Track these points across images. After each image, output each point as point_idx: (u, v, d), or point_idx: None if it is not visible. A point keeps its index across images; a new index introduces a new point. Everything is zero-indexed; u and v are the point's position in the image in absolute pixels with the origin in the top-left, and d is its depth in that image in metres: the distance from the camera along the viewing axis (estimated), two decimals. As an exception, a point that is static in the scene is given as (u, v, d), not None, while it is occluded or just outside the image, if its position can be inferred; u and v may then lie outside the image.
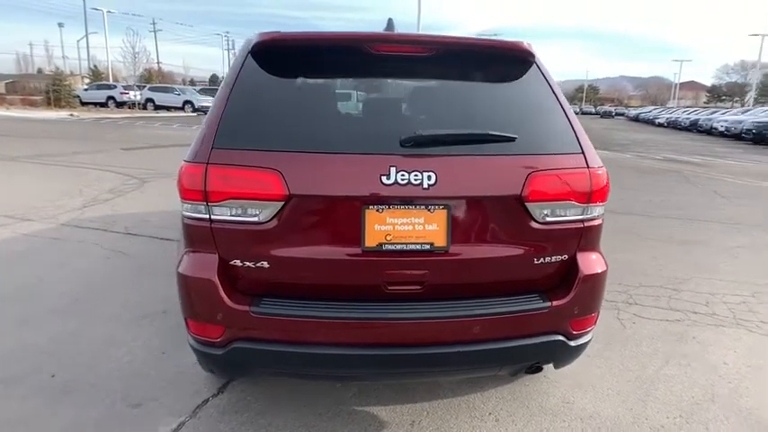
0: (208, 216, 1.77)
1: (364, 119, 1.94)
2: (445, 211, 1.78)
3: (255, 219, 1.75)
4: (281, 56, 1.95)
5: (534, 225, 1.85)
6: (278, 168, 1.71)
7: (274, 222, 1.74)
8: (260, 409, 2.39)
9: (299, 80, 1.95)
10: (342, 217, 1.78)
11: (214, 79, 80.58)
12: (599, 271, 1.97)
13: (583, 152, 1.91)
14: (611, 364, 2.87)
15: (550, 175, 1.83)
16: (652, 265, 4.62)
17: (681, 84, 71.10)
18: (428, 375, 2.06)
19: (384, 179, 1.72)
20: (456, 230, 1.80)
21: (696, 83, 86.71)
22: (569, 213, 1.89)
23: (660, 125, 35.20)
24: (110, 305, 3.48)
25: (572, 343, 1.96)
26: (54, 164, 9.67)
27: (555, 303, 1.87)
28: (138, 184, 7.90)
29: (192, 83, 66.85)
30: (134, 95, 32.61)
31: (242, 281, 1.81)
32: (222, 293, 1.77)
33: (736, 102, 63.68)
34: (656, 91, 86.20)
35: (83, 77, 49.23)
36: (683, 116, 33.46)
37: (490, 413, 2.42)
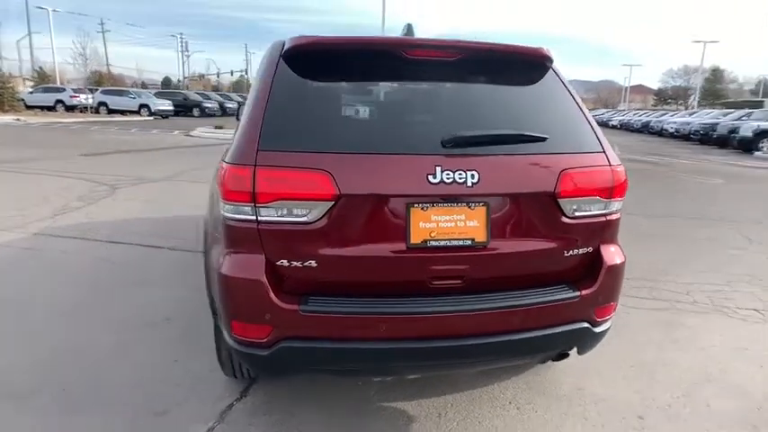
0: (255, 217, 1.79)
1: (404, 120, 2.00)
2: (485, 207, 1.87)
3: (304, 219, 1.78)
4: (316, 59, 1.99)
5: (565, 220, 1.97)
6: (327, 169, 1.76)
7: (323, 222, 1.78)
8: (287, 410, 2.41)
9: (337, 83, 2.00)
10: (388, 215, 1.84)
11: (167, 82, 78.17)
12: (620, 261, 2.11)
13: (604, 151, 2.05)
14: (611, 351, 3.03)
15: (580, 172, 1.96)
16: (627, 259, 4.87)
17: (630, 87, 74.32)
18: (469, 366, 2.14)
19: (431, 178, 1.80)
20: (494, 226, 1.90)
21: (644, 86, 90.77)
22: (594, 208, 2.02)
23: (613, 127, 36.71)
24: (108, 315, 3.39)
25: (596, 329, 2.09)
26: (9, 170, 9.20)
27: (584, 293, 2.00)
28: (109, 191, 7.64)
29: (144, 86, 64.62)
30: (85, 99, 31.29)
31: (289, 280, 1.83)
32: (271, 293, 1.79)
33: (681, 104, 67.26)
34: (607, 94, 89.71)
35: (24, 79, 46.67)
36: (635, 118, 34.96)
37: (510, 402, 2.52)
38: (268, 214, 1.78)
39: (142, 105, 31.02)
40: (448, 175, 1.80)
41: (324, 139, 1.84)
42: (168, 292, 3.80)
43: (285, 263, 1.82)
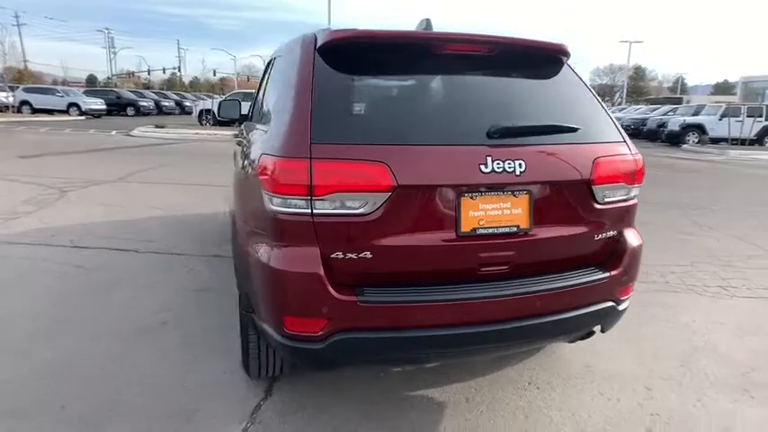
0: (310, 210, 1.77)
1: (447, 112, 2.03)
2: (528, 195, 1.95)
3: (361, 210, 1.78)
4: (354, 52, 2.00)
5: (596, 205, 2.09)
6: (384, 160, 1.77)
7: (378, 213, 1.79)
8: (316, 406, 2.39)
9: (377, 76, 2.02)
10: (439, 205, 1.88)
11: (92, 80, 73.47)
12: (639, 244, 2.26)
13: (625, 141, 2.19)
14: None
15: (609, 160, 2.08)
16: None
17: (560, 86, 77.97)
18: (512, 347, 2.20)
19: (482, 168, 1.85)
20: (535, 213, 1.98)
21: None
22: (620, 194, 2.15)
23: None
24: (98, 322, 3.20)
25: (619, 308, 2.23)
26: (-62, 175, 8.41)
27: (611, 273, 2.13)
28: (58, 194, 7.14)
29: (65, 83, 60.18)
30: (5, 97, 28.88)
31: (342, 272, 1.82)
32: (329, 286, 1.78)
33: (608, 101, 71.47)
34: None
35: None
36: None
37: (529, 383, 2.64)
38: (324, 207, 1.77)
39: (71, 104, 29.02)
40: (498, 164, 1.87)
41: (376, 131, 1.85)
42: (154, 295, 3.63)
43: (340, 255, 1.81)
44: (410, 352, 1.99)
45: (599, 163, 2.05)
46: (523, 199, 1.95)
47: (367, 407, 2.39)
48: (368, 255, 1.82)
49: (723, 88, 61.04)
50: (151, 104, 34.04)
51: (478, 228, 1.90)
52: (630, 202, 2.23)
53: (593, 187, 2.05)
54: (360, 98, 1.94)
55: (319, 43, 2.01)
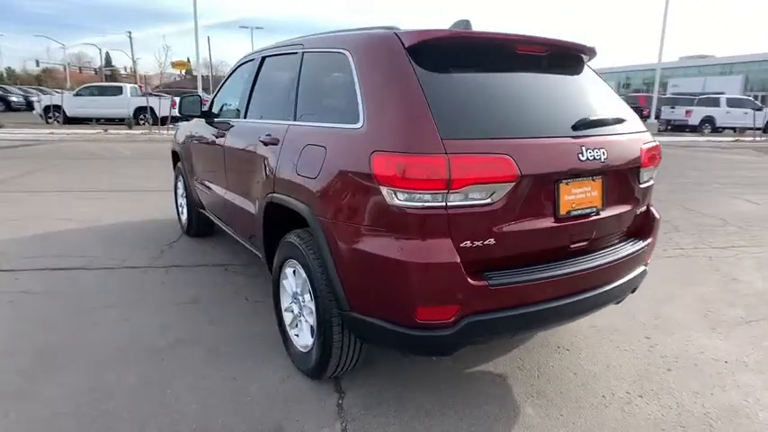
0: (444, 203, 1.85)
1: (540, 107, 2.20)
2: (602, 179, 2.25)
3: (488, 200, 1.91)
4: (445, 51, 2.11)
5: (640, 185, 2.47)
6: (509, 153, 1.92)
7: (501, 202, 1.94)
8: (396, 395, 2.46)
9: (471, 74, 2.13)
10: (544, 191, 2.08)
11: None
12: (660, 216, 2.70)
13: (647, 130, 2.60)
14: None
15: (649, 147, 2.48)
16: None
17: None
18: (592, 312, 2.46)
19: (580, 156, 2.10)
20: (605, 195, 2.29)
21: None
22: (651, 175, 2.56)
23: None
24: (95, 349, 2.83)
25: (647, 270, 2.66)
26: None
27: (648, 241, 2.53)
28: None
29: None
30: None
31: (470, 259, 1.93)
32: (464, 274, 1.88)
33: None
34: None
35: None
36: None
37: (558, 346, 2.98)
38: (457, 199, 1.87)
39: None
40: (590, 153, 2.14)
41: (494, 126, 1.99)
42: (145, 313, 3.30)
43: (468, 243, 1.92)
44: (530, 326, 2.18)
45: (643, 150, 2.43)
46: (599, 183, 2.24)
47: (440, 393, 2.51)
48: (492, 242, 1.96)
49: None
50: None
51: (571, 210, 2.15)
52: (653, 182, 2.65)
53: (640, 170, 2.42)
54: (464, 95, 2.05)
55: (407, 43, 2.07)
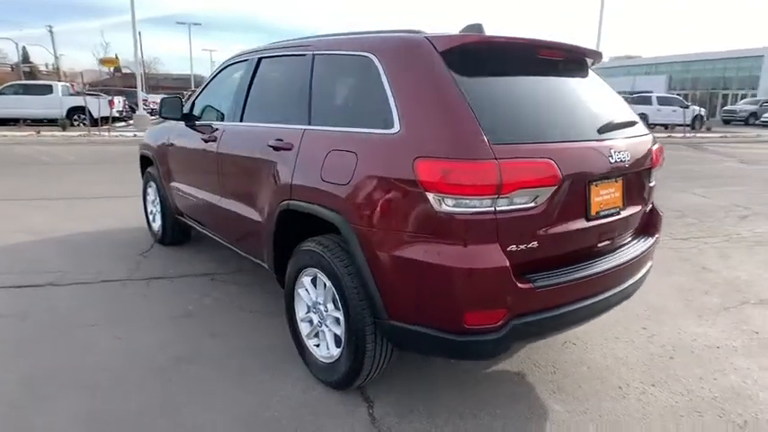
0: (493, 208, 1.85)
1: (568, 111, 2.23)
2: (623, 180, 2.33)
3: (532, 204, 1.93)
4: (479, 56, 2.11)
5: (649, 185, 2.58)
6: (552, 157, 1.95)
7: (544, 206, 1.96)
8: (425, 401, 2.44)
9: (507, 77, 2.15)
10: (578, 193, 2.12)
11: None
12: (662, 214, 2.84)
13: (650, 132, 2.72)
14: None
15: (658, 149, 2.60)
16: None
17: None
18: (612, 309, 2.53)
19: (610, 159, 2.17)
20: (625, 195, 2.37)
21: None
22: (655, 175, 2.68)
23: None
24: (83, 374, 2.61)
25: (653, 264, 2.79)
26: None
27: (657, 237, 2.66)
28: None
29: None
30: None
31: (515, 263, 1.94)
32: (513, 277, 1.89)
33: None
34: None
35: None
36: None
37: (565, 341, 3.07)
38: (505, 204, 1.87)
39: None
40: (618, 155, 2.22)
41: (534, 130, 2.02)
42: (139, 330, 3.11)
43: (514, 247, 1.93)
44: (567, 326, 2.22)
45: (653, 151, 2.54)
46: (621, 184, 2.33)
47: (466, 395, 2.51)
48: (534, 244, 1.99)
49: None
50: None
51: (600, 211, 2.22)
52: (655, 182, 2.79)
53: (651, 170, 2.54)
54: (499, 99, 2.06)
55: (441, 48, 2.06)
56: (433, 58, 2.05)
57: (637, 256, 2.43)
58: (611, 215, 2.30)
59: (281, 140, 2.65)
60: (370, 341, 2.22)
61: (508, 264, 1.89)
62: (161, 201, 4.54)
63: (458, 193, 1.85)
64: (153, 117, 19.90)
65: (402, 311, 2.06)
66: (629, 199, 2.42)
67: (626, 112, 2.55)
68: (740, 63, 42.00)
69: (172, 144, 4.15)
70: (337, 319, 2.38)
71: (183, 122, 3.92)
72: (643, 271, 2.57)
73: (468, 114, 1.90)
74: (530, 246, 1.98)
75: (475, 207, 1.86)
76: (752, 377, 2.72)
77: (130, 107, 24.27)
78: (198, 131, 3.68)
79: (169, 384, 2.55)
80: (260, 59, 3.18)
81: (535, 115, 2.13)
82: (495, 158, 1.84)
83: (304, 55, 2.73)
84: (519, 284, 1.92)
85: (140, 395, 2.44)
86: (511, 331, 1.97)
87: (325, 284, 2.41)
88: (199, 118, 3.85)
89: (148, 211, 5.02)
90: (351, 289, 2.20)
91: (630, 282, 2.44)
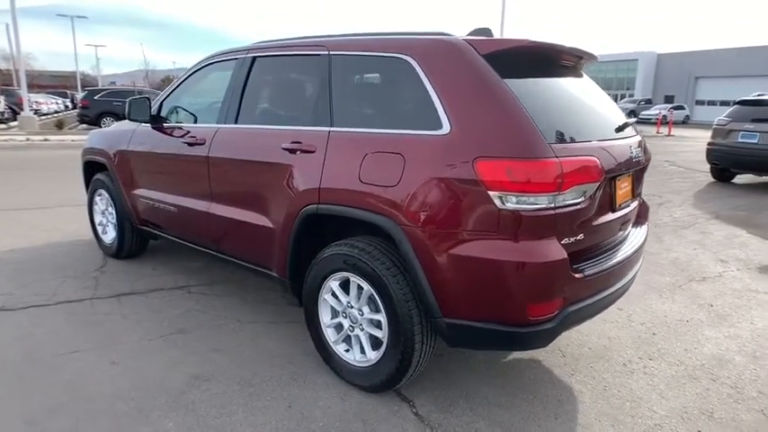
0: (553, 204, 1.96)
1: (592, 112, 2.41)
2: (633, 175, 2.56)
3: (581, 199, 2.06)
4: (518, 60, 2.21)
5: (643, 178, 2.85)
6: (596, 155, 2.09)
7: (588, 200, 2.10)
8: (462, 395, 2.51)
9: (539, 80, 2.27)
10: (609, 188, 2.30)
11: None
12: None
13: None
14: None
15: (647, 145, 2.87)
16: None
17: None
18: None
19: (632, 155, 2.37)
20: (633, 188, 2.61)
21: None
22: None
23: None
24: (90, 405, 2.37)
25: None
26: None
27: (647, 225, 2.95)
28: None
29: None
30: None
31: (568, 254, 2.07)
32: (569, 268, 2.02)
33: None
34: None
35: None
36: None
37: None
38: (562, 200, 1.99)
39: None
40: (637, 151, 2.44)
41: (575, 129, 2.16)
42: (125, 354, 2.85)
43: (567, 240, 2.06)
44: (600, 311, 2.38)
45: (646, 147, 2.81)
46: (630, 178, 2.56)
47: (497, 384, 2.62)
48: (581, 236, 2.13)
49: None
50: None
51: (621, 203, 2.43)
52: None
53: (647, 165, 2.81)
54: (541, 100, 2.18)
55: (483, 51, 2.14)
56: (479, 61, 2.11)
57: (643, 243, 2.70)
58: (627, 206, 2.53)
59: (300, 143, 2.57)
60: (418, 341, 2.24)
61: (566, 255, 2.02)
62: (117, 211, 4.16)
63: (522, 191, 1.93)
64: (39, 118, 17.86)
65: (459, 309, 2.11)
66: (634, 192, 2.67)
67: (622, 112, 2.81)
68: (618, 66, 46.82)
69: (135, 149, 3.82)
70: (375, 321, 2.37)
71: (149, 125, 3.63)
72: (642, 256, 2.85)
73: (524, 115, 1.99)
74: (577, 238, 2.12)
75: (537, 204, 1.96)
76: (724, 345, 3.11)
77: (11, 108, 21.69)
78: (173, 135, 3.44)
79: (197, 405, 2.38)
80: (254, 59, 3.04)
81: (572, 115, 2.29)
82: (557, 157, 1.95)
83: (318, 55, 2.66)
84: (575, 275, 2.06)
85: (172, 421, 2.26)
86: (564, 319, 2.10)
87: (359, 287, 2.39)
88: (168, 120, 3.59)
89: (96, 222, 4.56)
90: (397, 290, 2.20)
91: (639, 265, 2.69)
